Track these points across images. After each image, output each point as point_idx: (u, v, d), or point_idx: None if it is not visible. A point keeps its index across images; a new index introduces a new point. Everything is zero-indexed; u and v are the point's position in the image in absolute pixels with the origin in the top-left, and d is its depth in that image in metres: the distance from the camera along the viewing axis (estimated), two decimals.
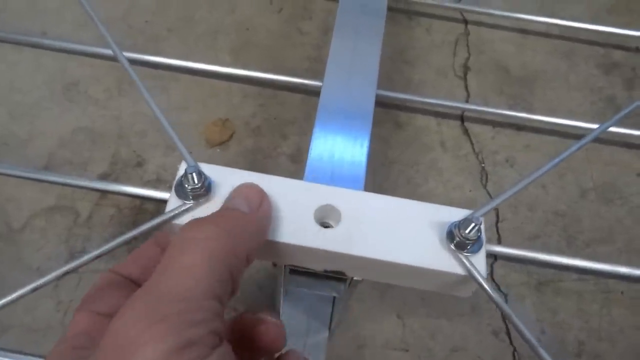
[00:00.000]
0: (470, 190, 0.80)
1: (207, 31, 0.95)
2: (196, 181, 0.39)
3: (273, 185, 0.42)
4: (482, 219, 0.39)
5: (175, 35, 0.94)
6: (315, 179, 0.51)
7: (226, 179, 0.42)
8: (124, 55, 0.48)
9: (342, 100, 0.54)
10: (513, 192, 0.44)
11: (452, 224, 0.40)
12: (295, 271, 0.45)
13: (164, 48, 0.91)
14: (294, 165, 0.81)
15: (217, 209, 0.39)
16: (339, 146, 0.51)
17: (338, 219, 0.41)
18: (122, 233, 0.72)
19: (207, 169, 0.42)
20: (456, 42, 0.98)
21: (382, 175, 0.80)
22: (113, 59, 0.87)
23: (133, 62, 0.89)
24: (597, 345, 0.70)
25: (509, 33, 1.00)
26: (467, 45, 0.98)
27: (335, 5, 1.00)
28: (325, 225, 0.41)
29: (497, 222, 0.78)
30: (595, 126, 0.90)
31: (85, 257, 0.37)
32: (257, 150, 0.82)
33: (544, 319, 0.71)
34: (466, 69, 0.95)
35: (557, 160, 0.46)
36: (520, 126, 0.88)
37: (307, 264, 0.42)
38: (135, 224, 0.73)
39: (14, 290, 0.35)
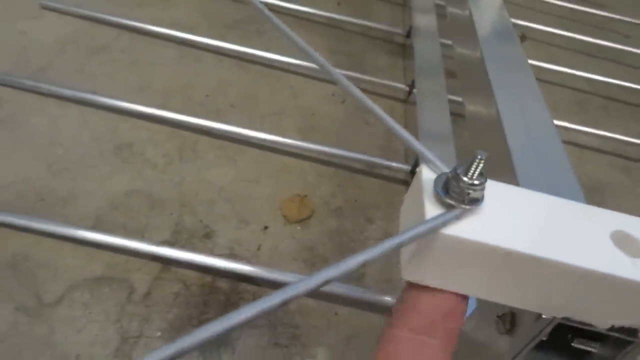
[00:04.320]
0: None
1: (271, 111, 0.88)
2: (478, 181, 0.29)
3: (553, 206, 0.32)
4: None
5: (239, 111, 0.86)
6: None
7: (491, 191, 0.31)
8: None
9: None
10: None
11: None
12: (560, 333, 0.32)
13: (228, 122, 0.83)
14: None
15: (484, 224, 0.29)
16: None
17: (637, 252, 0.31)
18: (190, 316, 0.56)
19: None
20: None
21: None
22: (173, 124, 0.79)
23: (195, 129, 0.80)
24: None
25: (565, 145, 1.00)
26: None
27: (399, 104, 0.99)
28: None
29: None
30: None
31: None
32: (342, 231, 0.70)
33: None
34: None
35: None
36: None
37: (593, 313, 0.31)
38: (206, 305, 0.57)
39: None
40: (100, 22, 0.95)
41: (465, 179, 0.29)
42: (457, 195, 0.29)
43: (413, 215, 0.32)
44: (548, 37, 1.30)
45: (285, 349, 0.55)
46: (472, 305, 0.50)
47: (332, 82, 0.98)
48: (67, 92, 0.78)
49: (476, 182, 0.29)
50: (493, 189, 0.31)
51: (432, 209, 0.29)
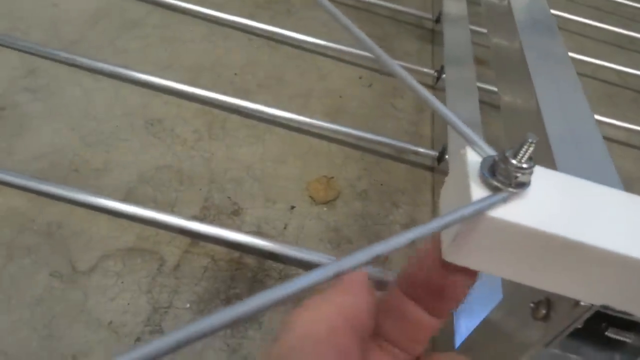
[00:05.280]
0: None
1: (299, 93, 0.88)
2: (526, 165, 0.29)
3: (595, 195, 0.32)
4: None
5: (266, 91, 0.87)
6: None
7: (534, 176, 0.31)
8: None
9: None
10: None
11: None
12: (595, 323, 0.33)
13: (256, 101, 0.84)
14: None
15: (531, 208, 0.29)
16: None
17: None
18: (218, 290, 0.57)
19: None
20: None
21: None
22: (203, 101, 0.79)
23: (224, 107, 0.80)
24: None
25: None
26: None
27: (426, 89, 0.98)
28: None
29: None
30: None
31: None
32: (367, 214, 0.71)
33: None
34: None
35: None
36: None
37: (634, 302, 0.31)
38: (233, 280, 0.58)
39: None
40: None
41: (514, 161, 0.29)
42: (504, 178, 0.29)
43: (456, 197, 0.32)
44: (579, 27, 1.27)
45: None
46: (498, 295, 0.51)
47: (359, 65, 0.96)
48: (100, 65, 0.79)
49: (525, 165, 0.29)
50: (539, 174, 0.31)
51: (478, 191, 0.29)
